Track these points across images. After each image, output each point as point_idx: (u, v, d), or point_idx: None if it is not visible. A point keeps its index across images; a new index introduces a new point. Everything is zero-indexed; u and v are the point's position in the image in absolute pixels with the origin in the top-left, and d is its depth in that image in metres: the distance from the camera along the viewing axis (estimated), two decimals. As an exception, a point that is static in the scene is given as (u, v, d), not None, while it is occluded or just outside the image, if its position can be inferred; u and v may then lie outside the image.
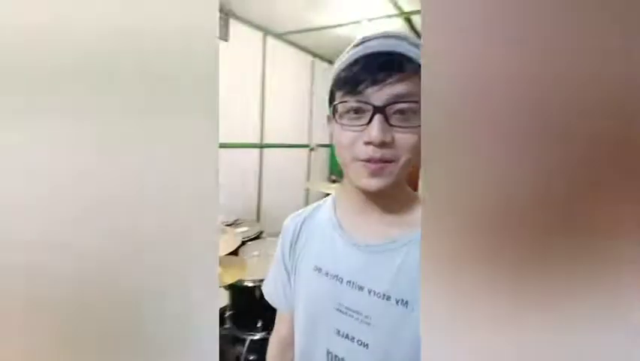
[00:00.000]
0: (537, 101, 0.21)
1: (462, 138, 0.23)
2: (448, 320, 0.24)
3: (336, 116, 0.41)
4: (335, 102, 0.41)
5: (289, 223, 0.56)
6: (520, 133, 0.22)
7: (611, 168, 0.20)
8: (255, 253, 1.74)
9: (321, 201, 0.56)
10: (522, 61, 0.21)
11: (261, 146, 2.81)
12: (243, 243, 1.97)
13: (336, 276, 0.46)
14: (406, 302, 0.41)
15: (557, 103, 0.21)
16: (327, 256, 0.48)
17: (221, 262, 1.30)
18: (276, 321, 0.63)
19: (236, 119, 2.53)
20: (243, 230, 2.26)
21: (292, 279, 0.54)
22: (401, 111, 0.38)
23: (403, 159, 0.39)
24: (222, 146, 2.49)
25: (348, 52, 0.42)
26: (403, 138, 0.38)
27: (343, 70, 0.41)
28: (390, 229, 0.45)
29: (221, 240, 1.11)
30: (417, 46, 0.39)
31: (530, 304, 0.22)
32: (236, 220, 2.37)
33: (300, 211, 0.57)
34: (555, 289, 0.21)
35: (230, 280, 1.29)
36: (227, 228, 1.23)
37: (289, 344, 0.56)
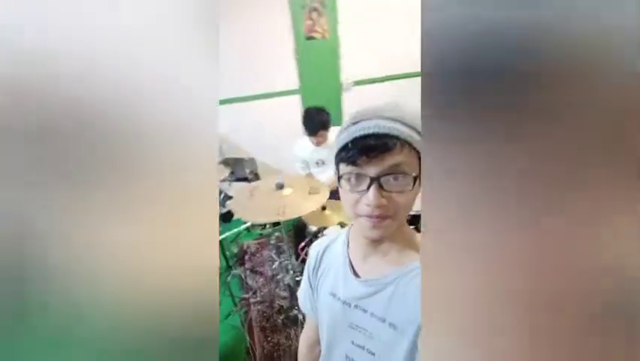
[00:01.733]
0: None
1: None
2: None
3: (341, 181, 0.50)
4: (339, 173, 0.51)
5: (313, 251, 0.69)
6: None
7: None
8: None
9: (339, 232, 0.68)
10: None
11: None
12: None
13: (346, 302, 0.58)
14: (395, 326, 0.51)
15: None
16: (339, 286, 0.60)
17: (329, 205, 1.50)
18: (305, 324, 0.78)
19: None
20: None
21: (315, 296, 0.67)
22: (394, 177, 0.46)
23: (397, 214, 0.48)
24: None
25: (346, 129, 0.49)
26: (397, 199, 0.47)
27: (342, 149, 0.49)
28: (386, 267, 0.54)
29: (312, 199, 1.38)
30: (410, 126, 0.46)
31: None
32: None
33: (322, 240, 0.69)
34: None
35: (337, 220, 1.53)
36: (321, 187, 1.49)
37: (316, 342, 0.71)
